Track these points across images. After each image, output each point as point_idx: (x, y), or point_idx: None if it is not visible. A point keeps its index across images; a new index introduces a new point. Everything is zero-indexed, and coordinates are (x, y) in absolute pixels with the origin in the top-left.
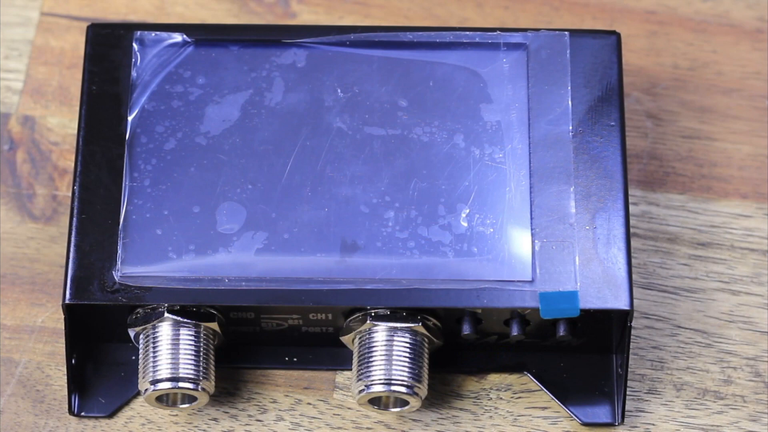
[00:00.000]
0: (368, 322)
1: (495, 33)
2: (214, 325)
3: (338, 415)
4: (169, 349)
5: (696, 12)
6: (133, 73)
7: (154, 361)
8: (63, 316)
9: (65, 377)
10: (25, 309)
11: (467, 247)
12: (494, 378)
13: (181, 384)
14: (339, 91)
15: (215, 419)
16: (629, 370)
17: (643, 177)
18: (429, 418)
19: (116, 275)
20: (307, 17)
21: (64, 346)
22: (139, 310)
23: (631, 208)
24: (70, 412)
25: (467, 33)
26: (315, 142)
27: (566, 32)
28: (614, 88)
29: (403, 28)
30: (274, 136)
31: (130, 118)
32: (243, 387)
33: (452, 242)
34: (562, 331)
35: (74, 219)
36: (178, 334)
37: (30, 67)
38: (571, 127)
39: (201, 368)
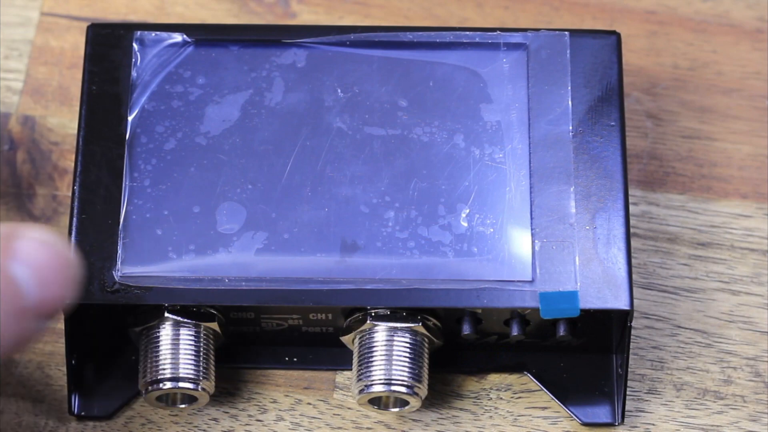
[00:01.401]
0: (368, 322)
1: (495, 33)
2: (214, 325)
3: (338, 415)
4: (169, 349)
5: (696, 12)
6: (133, 73)
7: (154, 361)
8: (63, 316)
9: (65, 377)
10: None
11: (467, 247)
12: (494, 378)
13: (181, 384)
14: (339, 91)
15: (215, 419)
16: (629, 370)
17: (643, 177)
18: (429, 418)
19: (116, 275)
20: (307, 17)
21: (64, 346)
22: (140, 310)
23: (631, 208)
24: (70, 412)
25: (467, 33)
26: (315, 142)
27: (566, 32)
28: (614, 88)
29: (403, 28)
30: (274, 136)
31: (130, 118)
32: (243, 387)
33: (452, 242)
34: (562, 331)
35: (74, 219)
36: (178, 334)
37: (30, 67)
38: (571, 127)
39: (201, 368)
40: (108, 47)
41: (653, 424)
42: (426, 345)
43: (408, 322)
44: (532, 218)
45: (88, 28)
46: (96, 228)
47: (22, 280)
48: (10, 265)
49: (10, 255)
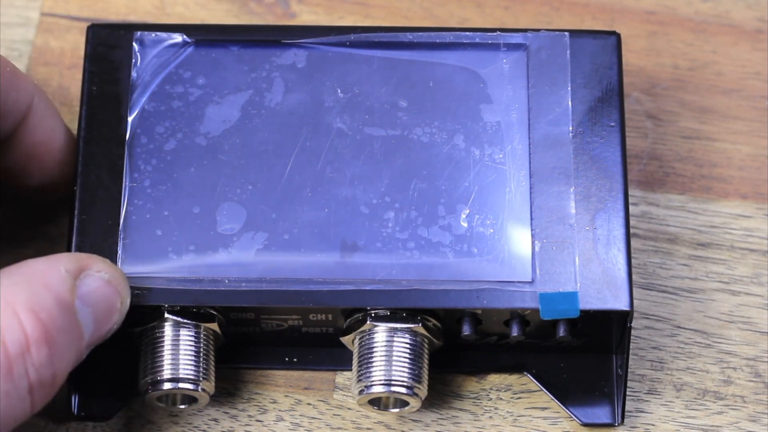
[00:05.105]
0: (368, 322)
1: (495, 33)
2: (214, 326)
3: (338, 415)
4: (170, 350)
5: (696, 12)
6: (133, 74)
7: (154, 362)
8: None
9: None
10: None
11: (467, 248)
12: (494, 378)
13: (181, 385)
14: (339, 91)
15: (215, 419)
16: (629, 370)
17: (643, 177)
18: (429, 418)
19: None
20: (307, 17)
21: None
22: (139, 310)
23: (631, 208)
24: (70, 412)
25: (467, 33)
26: (315, 142)
27: (566, 32)
28: (614, 89)
29: (403, 29)
30: (274, 136)
31: (130, 119)
32: (243, 387)
33: (452, 243)
34: (562, 332)
35: (74, 219)
36: (178, 335)
37: (30, 68)
38: (571, 128)
39: (201, 369)
40: (108, 47)
41: (653, 425)
42: (426, 346)
43: (408, 323)
44: (532, 219)
45: (88, 28)
46: (96, 228)
47: (84, 320)
48: (78, 307)
49: (79, 293)
